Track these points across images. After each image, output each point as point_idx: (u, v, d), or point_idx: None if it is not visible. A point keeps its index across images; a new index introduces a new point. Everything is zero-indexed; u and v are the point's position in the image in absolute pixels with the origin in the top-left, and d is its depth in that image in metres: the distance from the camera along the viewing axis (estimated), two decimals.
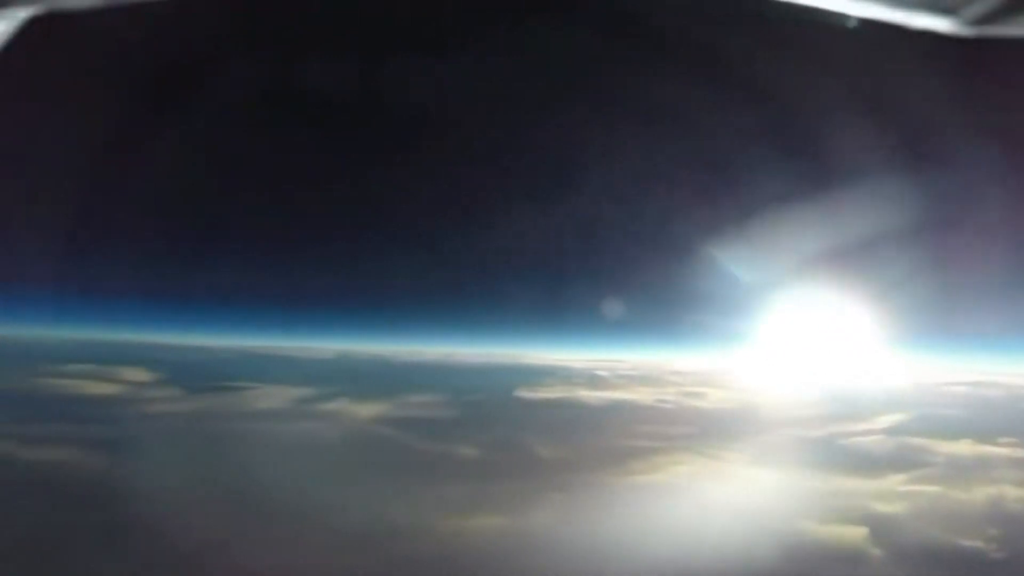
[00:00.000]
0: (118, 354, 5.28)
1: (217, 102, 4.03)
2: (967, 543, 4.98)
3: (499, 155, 4.99)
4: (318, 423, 5.26)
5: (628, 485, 5.16)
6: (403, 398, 5.45)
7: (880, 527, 5.19)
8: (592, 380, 5.85)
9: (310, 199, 5.04)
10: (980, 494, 5.27)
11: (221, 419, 5.30)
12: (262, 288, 5.39)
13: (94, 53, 3.41)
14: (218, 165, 4.72)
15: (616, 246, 5.36)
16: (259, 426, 5.23)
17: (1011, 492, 5.22)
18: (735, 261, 5.25)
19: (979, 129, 4.40)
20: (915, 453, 5.67)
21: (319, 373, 5.55)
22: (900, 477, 5.52)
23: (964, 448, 5.59)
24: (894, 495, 5.41)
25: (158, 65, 3.94)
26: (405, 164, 4.96)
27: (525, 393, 5.62)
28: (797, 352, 5.55)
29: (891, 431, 5.76)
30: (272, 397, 5.36)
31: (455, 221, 5.07)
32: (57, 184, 4.13)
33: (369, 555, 4.47)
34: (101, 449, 4.94)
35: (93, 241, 4.62)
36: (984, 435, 5.54)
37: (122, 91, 4.00)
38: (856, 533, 5.24)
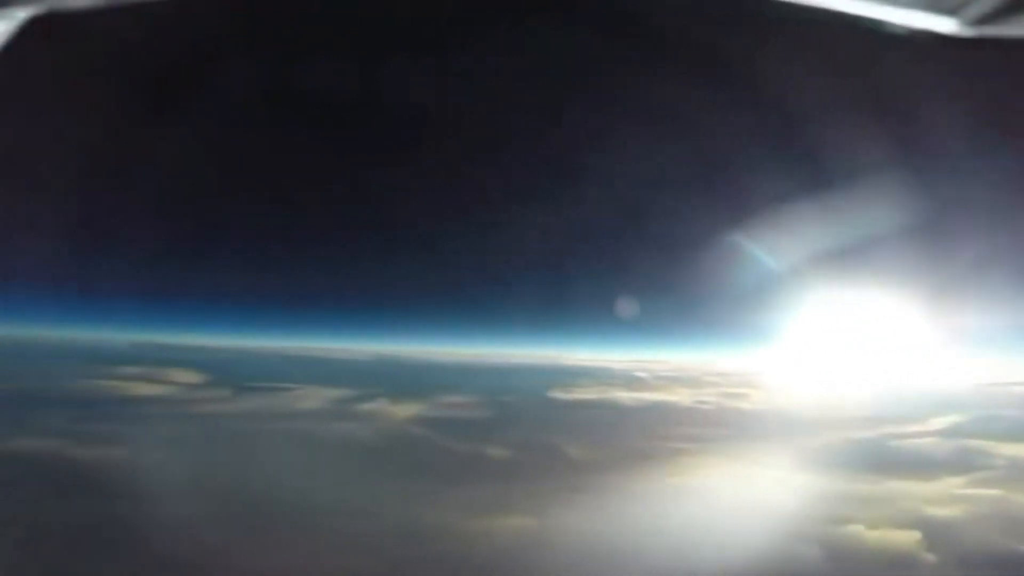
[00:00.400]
0: (169, 356, 5.50)
1: (219, 102, 4.15)
2: None
3: (519, 153, 5.01)
4: (356, 423, 5.37)
5: (665, 488, 5.08)
6: (439, 399, 5.51)
7: (934, 532, 4.98)
8: (630, 381, 5.79)
9: (341, 202, 5.16)
10: None
11: (266, 419, 5.46)
12: (305, 292, 5.55)
13: (94, 53, 3.51)
14: (229, 165, 4.87)
15: (655, 245, 5.31)
16: (301, 425, 5.38)
17: None
18: (778, 259, 5.15)
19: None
20: (973, 455, 5.42)
21: (358, 374, 5.67)
22: (957, 480, 5.29)
23: None
24: (950, 499, 5.19)
25: (158, 65, 4.07)
26: (430, 164, 5.03)
27: (560, 394, 5.62)
28: (844, 352, 5.39)
29: (947, 433, 5.52)
30: (314, 398, 5.49)
31: (488, 222, 5.11)
32: (58, 185, 4.30)
33: (401, 554, 4.53)
34: (153, 448, 5.13)
35: (138, 246, 4.82)
36: None
37: (122, 91, 4.14)
38: (909, 538, 5.04)
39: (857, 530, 5.10)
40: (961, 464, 5.35)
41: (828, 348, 5.35)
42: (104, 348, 5.39)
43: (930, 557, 4.88)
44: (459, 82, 4.54)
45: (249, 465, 5.02)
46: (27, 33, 1.72)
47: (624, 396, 5.75)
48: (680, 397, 5.77)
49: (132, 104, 4.25)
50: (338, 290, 5.51)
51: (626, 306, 5.22)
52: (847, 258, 4.97)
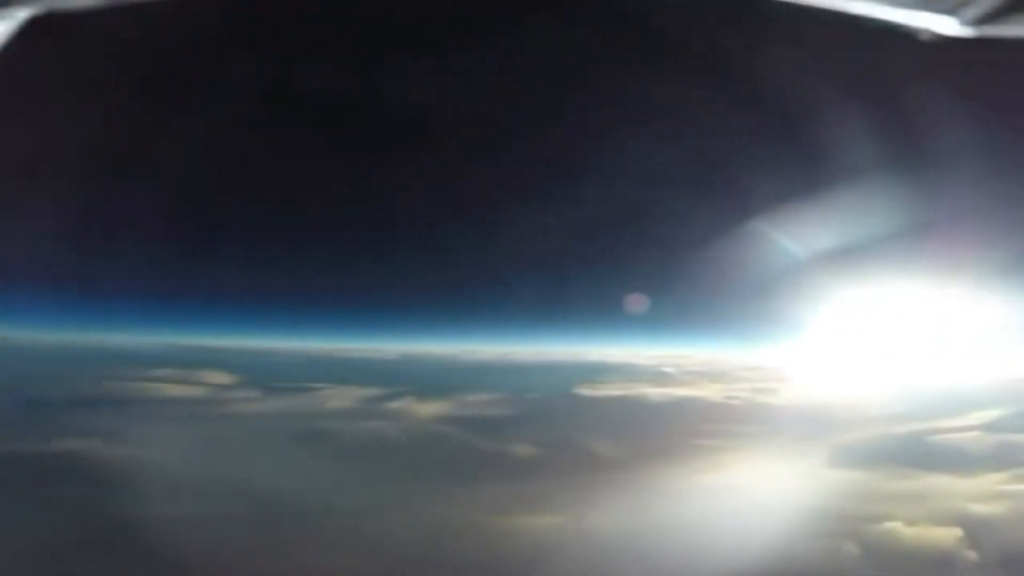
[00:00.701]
0: (200, 358, 5.61)
1: (219, 101, 4.19)
2: None
3: (539, 151, 5.01)
4: (384, 422, 5.41)
5: (694, 485, 5.01)
6: (464, 397, 5.52)
7: (976, 529, 4.84)
8: (657, 377, 5.73)
9: (367, 203, 5.21)
10: None
11: (295, 418, 5.53)
12: (332, 293, 5.62)
13: (94, 53, 3.58)
14: (238, 166, 4.93)
15: (680, 240, 5.26)
16: (329, 425, 5.44)
17: None
18: (808, 251, 5.07)
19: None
20: (1015, 451, 5.25)
21: (385, 373, 5.72)
22: (998, 476, 5.13)
23: None
24: (992, 495, 5.03)
25: (158, 65, 4.13)
26: (451, 163, 5.06)
27: (586, 391, 5.58)
28: (879, 346, 5.27)
29: (988, 427, 5.35)
30: (342, 397, 5.55)
31: (511, 220, 5.10)
32: (62, 185, 4.37)
33: (428, 552, 4.55)
34: (187, 448, 5.23)
35: (165, 249, 4.92)
36: None
37: (122, 91, 4.21)
38: (949, 535, 4.91)
39: (895, 527, 4.98)
40: (1003, 459, 5.18)
41: (862, 342, 5.23)
42: (138, 351, 5.53)
43: (971, 555, 4.74)
44: (470, 80, 4.55)
45: (279, 464, 5.10)
46: (27, 33, 1.72)
47: (651, 392, 5.68)
48: (709, 392, 5.69)
49: (132, 104, 4.33)
50: (364, 291, 5.57)
51: (651, 301, 5.17)
52: (879, 251, 4.87)
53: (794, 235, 4.97)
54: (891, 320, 5.16)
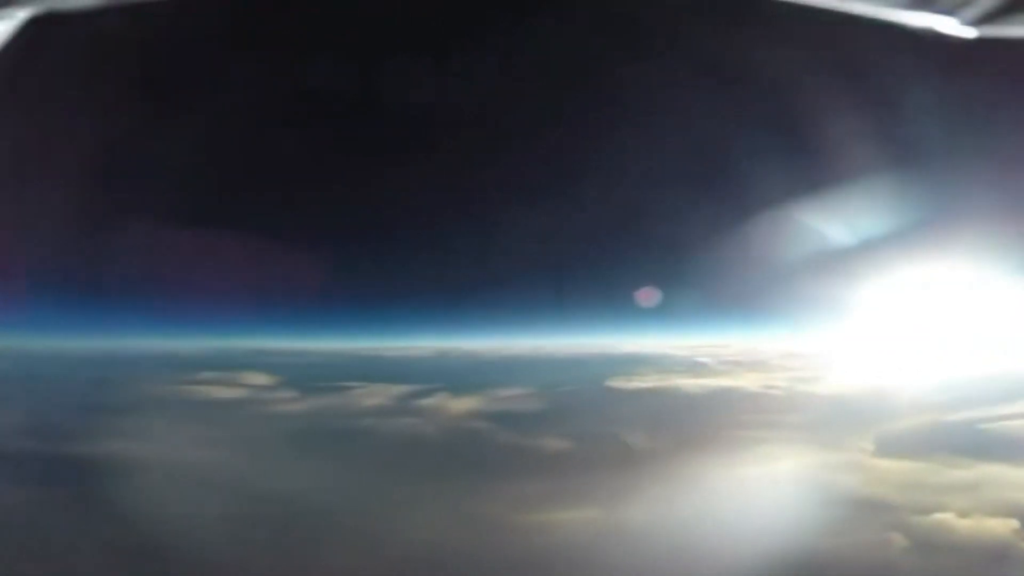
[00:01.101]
0: (242, 361, 5.75)
1: (219, 101, 4.25)
2: None
3: (560, 138, 4.98)
4: (418, 419, 5.45)
5: (734, 477, 4.91)
6: (497, 392, 5.52)
7: None
8: (692, 367, 5.63)
9: (396, 204, 5.25)
10: None
11: (334, 417, 5.61)
12: (365, 292, 5.70)
13: (94, 53, 3.65)
14: (246, 166, 4.99)
15: (713, 226, 5.16)
16: (366, 423, 5.50)
17: None
18: (852, 236, 4.93)
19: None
20: None
21: (418, 371, 5.76)
22: None
23: None
24: None
25: (158, 65, 4.20)
26: (482, 159, 5.07)
27: (619, 383, 5.51)
28: (925, 331, 5.07)
29: None
30: (378, 395, 5.61)
31: (538, 212, 5.08)
32: (67, 185, 4.47)
33: (463, 547, 4.57)
34: (235, 447, 5.36)
35: (203, 255, 5.05)
36: None
37: (122, 91, 4.29)
38: (1004, 527, 4.71)
39: (947, 519, 4.80)
40: None
41: (907, 327, 5.05)
42: (181, 355, 5.69)
43: None
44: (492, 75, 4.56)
45: (317, 462, 5.18)
46: (27, 33, 1.76)
47: (687, 383, 5.58)
48: (747, 382, 5.57)
49: (132, 104, 4.41)
50: (396, 290, 5.63)
51: (683, 291, 5.09)
52: (922, 236, 4.73)
53: (832, 220, 4.84)
54: (937, 304, 4.98)
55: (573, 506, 4.79)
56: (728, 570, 4.37)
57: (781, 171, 4.69)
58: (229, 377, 5.68)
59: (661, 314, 5.18)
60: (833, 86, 4.29)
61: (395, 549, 4.65)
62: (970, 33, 1.68)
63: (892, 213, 4.62)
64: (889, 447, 5.14)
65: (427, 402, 5.49)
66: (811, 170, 4.62)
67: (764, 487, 4.90)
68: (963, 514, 4.81)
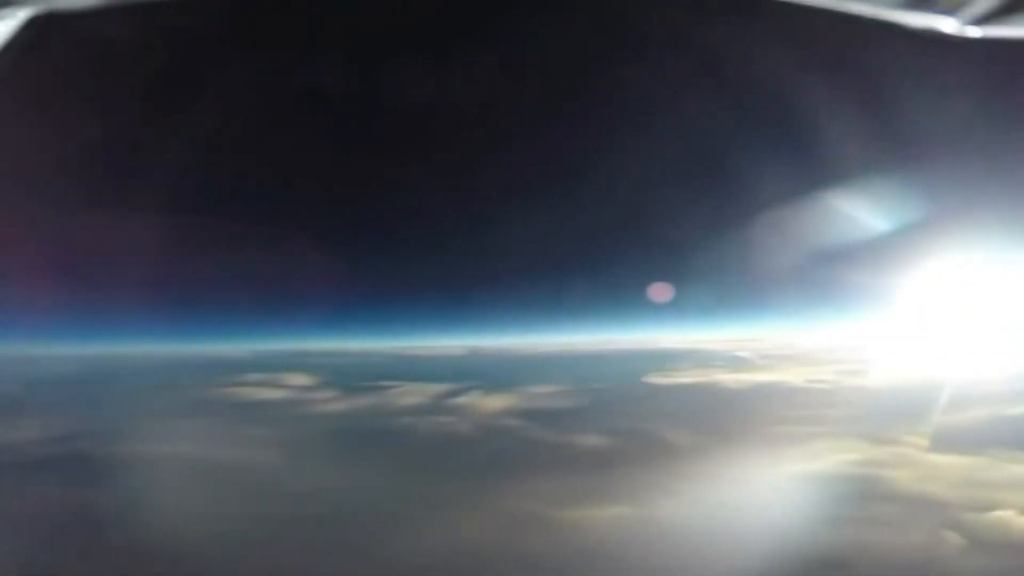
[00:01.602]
0: (284, 362, 5.87)
1: (219, 101, 4.30)
2: None
3: (589, 136, 4.94)
4: (454, 417, 5.46)
5: (781, 475, 4.76)
6: (532, 389, 5.49)
7: None
8: (732, 362, 5.49)
9: (428, 205, 5.29)
10: None
11: (373, 416, 5.68)
12: (401, 293, 5.76)
13: (94, 53, 3.74)
14: (253, 167, 5.04)
15: (750, 219, 5.05)
16: (403, 421, 5.55)
17: None
18: (896, 225, 4.77)
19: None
20: None
21: (454, 369, 5.78)
22: None
23: None
24: None
25: (158, 65, 4.26)
26: (514, 158, 5.07)
27: (657, 379, 5.42)
28: (978, 322, 4.86)
29: None
30: (414, 394, 5.65)
31: (571, 207, 5.06)
32: (64, 187, 4.55)
33: (501, 544, 4.55)
34: (280, 446, 5.46)
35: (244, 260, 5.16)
36: None
37: (122, 91, 4.37)
38: None
39: (1006, 516, 4.58)
40: None
41: (958, 319, 4.85)
42: (229, 359, 5.83)
43: None
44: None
45: (357, 460, 5.24)
46: (27, 33, 1.79)
47: (727, 378, 5.45)
48: (790, 376, 5.41)
49: (132, 103, 4.50)
50: (432, 290, 5.67)
51: (720, 284, 4.99)
52: (969, 226, 4.56)
53: (874, 209, 4.69)
54: (989, 295, 4.77)
55: (610, 503, 4.73)
56: (773, 571, 4.25)
57: (807, 165, 4.59)
58: (273, 379, 5.80)
59: (696, 308, 5.08)
60: (833, 86, 4.19)
61: (432, 546, 4.66)
62: (970, 33, 1.68)
63: (927, 203, 4.47)
64: (943, 442, 4.93)
65: (463, 400, 5.51)
66: (833, 162, 4.50)
67: (811, 484, 4.74)
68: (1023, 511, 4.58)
